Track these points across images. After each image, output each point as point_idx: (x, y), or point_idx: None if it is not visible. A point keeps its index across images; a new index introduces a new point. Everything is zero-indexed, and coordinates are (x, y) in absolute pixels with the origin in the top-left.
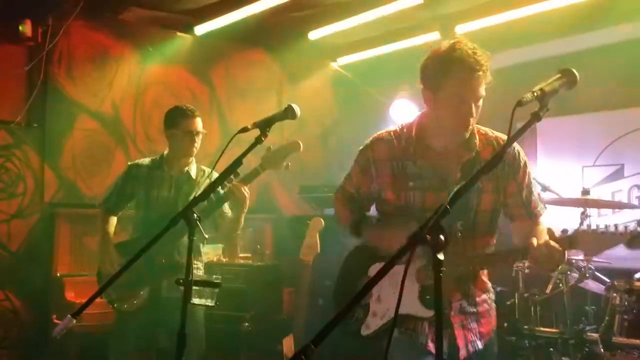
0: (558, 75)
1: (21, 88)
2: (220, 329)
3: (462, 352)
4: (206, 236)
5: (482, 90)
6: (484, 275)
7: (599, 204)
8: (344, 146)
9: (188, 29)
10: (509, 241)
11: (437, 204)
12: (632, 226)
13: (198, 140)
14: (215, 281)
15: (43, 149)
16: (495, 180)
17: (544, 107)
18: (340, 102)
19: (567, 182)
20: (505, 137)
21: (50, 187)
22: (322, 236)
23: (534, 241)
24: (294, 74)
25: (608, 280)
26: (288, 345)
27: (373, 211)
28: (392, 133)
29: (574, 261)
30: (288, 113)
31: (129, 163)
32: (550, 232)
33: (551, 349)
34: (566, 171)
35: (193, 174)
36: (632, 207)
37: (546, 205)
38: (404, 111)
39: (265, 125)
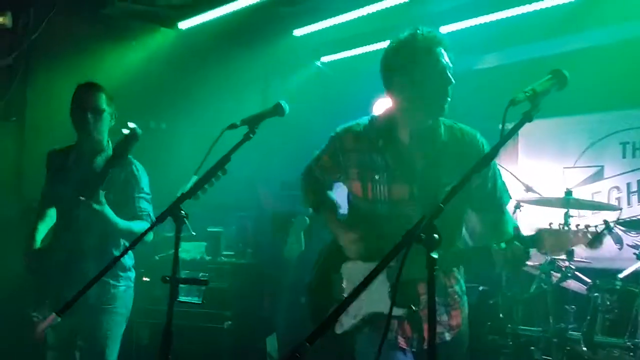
0: (549, 76)
1: (0, 81)
2: (203, 327)
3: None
4: (193, 233)
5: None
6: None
7: (581, 205)
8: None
9: (171, 23)
10: None
11: (403, 196)
12: (592, 228)
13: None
14: (202, 279)
15: (22, 144)
16: (458, 172)
17: (536, 107)
18: (324, 100)
19: (549, 182)
20: (469, 128)
21: (30, 181)
22: (305, 234)
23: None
24: (278, 71)
25: (589, 280)
26: (271, 343)
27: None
28: (361, 125)
29: (555, 261)
30: (277, 110)
31: None
32: (516, 230)
33: (532, 348)
34: (547, 172)
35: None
36: (612, 208)
37: (511, 195)
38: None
39: (253, 122)
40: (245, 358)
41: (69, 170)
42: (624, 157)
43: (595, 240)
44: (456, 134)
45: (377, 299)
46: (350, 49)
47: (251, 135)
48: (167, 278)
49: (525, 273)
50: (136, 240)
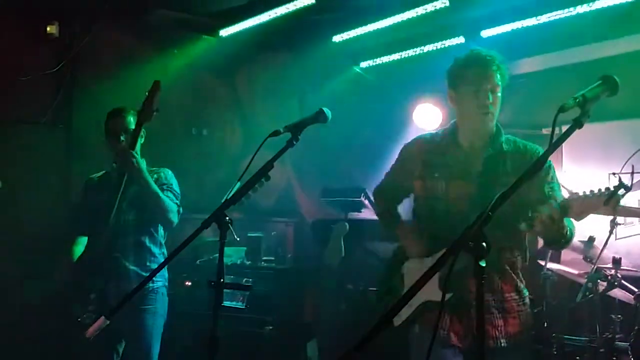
0: (599, 82)
1: (48, 89)
2: (244, 331)
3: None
4: (237, 239)
5: (497, 81)
6: (517, 275)
7: (629, 212)
8: (366, 150)
9: (213, 31)
10: None
11: (459, 193)
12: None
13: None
14: (246, 284)
15: (69, 150)
16: (517, 176)
17: (586, 113)
18: (363, 106)
19: (594, 188)
20: (533, 144)
21: (76, 188)
22: (345, 241)
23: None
24: (316, 77)
25: (636, 290)
26: (312, 349)
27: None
28: (430, 134)
29: (602, 270)
30: (319, 117)
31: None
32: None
33: (577, 358)
34: (592, 178)
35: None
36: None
37: None
38: (427, 115)
39: (297, 129)
40: None
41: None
42: None
43: (610, 198)
44: (519, 145)
45: (428, 288)
46: (389, 54)
47: (294, 142)
48: (212, 283)
49: (570, 282)
50: (193, 235)
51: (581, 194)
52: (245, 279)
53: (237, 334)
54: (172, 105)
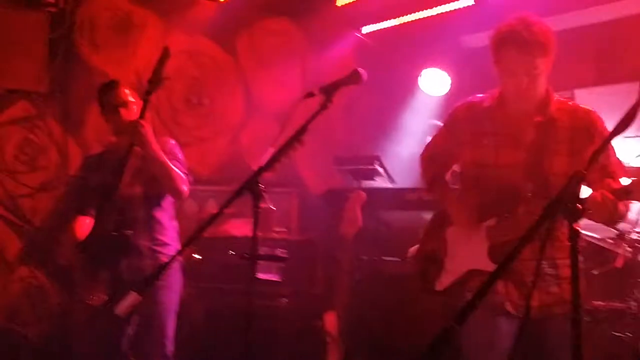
0: None
1: (43, 56)
2: (258, 304)
3: (536, 312)
4: (273, 208)
5: (537, 63)
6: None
7: None
8: (371, 117)
9: None
10: None
11: (509, 161)
12: None
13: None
14: (281, 255)
15: (66, 120)
16: (569, 144)
17: None
18: (368, 72)
19: None
20: (586, 106)
21: (75, 159)
22: (363, 210)
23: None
24: (318, 42)
25: None
26: (330, 321)
27: None
28: (477, 98)
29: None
30: (354, 77)
31: None
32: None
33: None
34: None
35: None
36: None
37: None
38: (434, 81)
39: (331, 90)
40: (304, 336)
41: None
42: None
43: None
44: (567, 109)
45: (476, 256)
46: (394, 18)
47: (328, 104)
48: (247, 255)
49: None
50: (224, 206)
51: None
52: (280, 249)
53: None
54: (170, 72)
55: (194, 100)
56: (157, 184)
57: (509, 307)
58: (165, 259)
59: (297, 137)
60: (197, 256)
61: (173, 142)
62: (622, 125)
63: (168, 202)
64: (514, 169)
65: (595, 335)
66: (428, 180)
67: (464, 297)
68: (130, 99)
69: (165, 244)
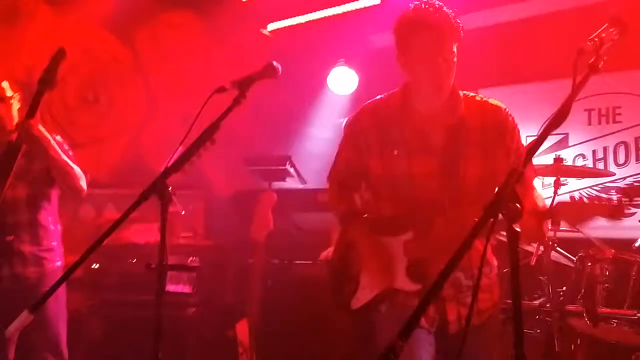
0: (606, 25)
1: None
2: (164, 314)
3: (453, 327)
4: (182, 212)
5: (452, 47)
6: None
7: (573, 172)
8: (279, 116)
9: None
10: None
11: (423, 169)
12: (614, 198)
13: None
14: (193, 265)
15: None
16: (481, 146)
17: (601, 57)
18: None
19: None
20: (494, 101)
21: None
22: (273, 212)
23: None
24: (224, 38)
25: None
26: (242, 330)
27: None
28: (377, 101)
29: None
30: (269, 71)
31: None
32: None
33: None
34: None
35: None
36: (606, 174)
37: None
38: (342, 80)
39: (244, 85)
40: (215, 347)
41: None
42: (589, 124)
43: (616, 211)
44: (477, 107)
45: (394, 274)
46: (301, 15)
47: (242, 100)
48: (153, 265)
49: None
50: (128, 212)
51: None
52: (191, 258)
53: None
54: (63, 67)
55: (89, 97)
56: (43, 185)
57: (422, 322)
58: (50, 265)
59: (208, 135)
60: (95, 265)
61: (59, 138)
62: (557, 121)
63: (53, 204)
64: (428, 178)
65: (506, 334)
66: (340, 215)
67: (377, 315)
68: (9, 93)
69: (49, 250)
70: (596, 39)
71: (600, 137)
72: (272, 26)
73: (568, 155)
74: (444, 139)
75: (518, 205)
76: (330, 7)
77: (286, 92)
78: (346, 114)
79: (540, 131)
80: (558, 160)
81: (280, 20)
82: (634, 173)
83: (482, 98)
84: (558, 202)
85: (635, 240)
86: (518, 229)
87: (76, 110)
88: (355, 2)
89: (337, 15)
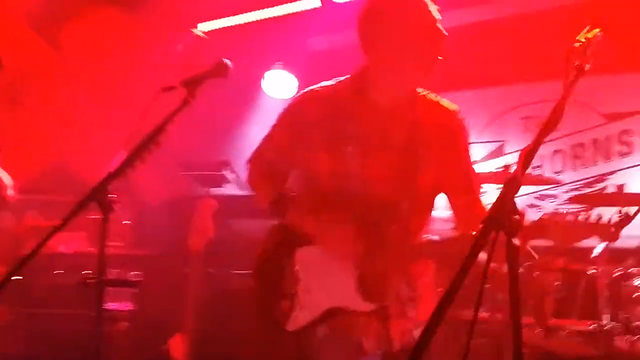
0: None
1: None
2: (89, 330)
3: (396, 344)
4: (125, 222)
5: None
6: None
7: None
8: (210, 123)
9: None
10: None
11: (379, 170)
12: (605, 217)
13: None
14: (134, 280)
15: None
16: (435, 149)
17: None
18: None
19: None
20: (448, 102)
21: None
22: (213, 219)
23: None
24: (154, 37)
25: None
26: (177, 346)
27: None
28: (324, 90)
29: None
30: (219, 69)
31: None
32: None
33: None
34: None
35: None
36: (556, 182)
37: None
38: (279, 83)
39: (194, 84)
40: None
41: None
42: (526, 132)
43: (613, 235)
44: (432, 107)
45: (340, 292)
46: (235, 15)
47: (191, 100)
48: (89, 280)
49: None
50: (64, 222)
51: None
52: (133, 272)
53: (85, 334)
54: None
55: (11, 99)
56: None
57: (366, 346)
58: None
59: (153, 138)
60: (17, 277)
61: None
62: (552, 124)
63: None
64: (384, 179)
65: (454, 346)
66: (268, 199)
67: (316, 340)
68: None
69: None
70: (584, 39)
71: None
72: (205, 26)
73: (504, 164)
74: (405, 137)
75: (517, 216)
76: (266, 7)
77: (220, 94)
78: None
79: (535, 136)
80: (507, 168)
81: (212, 19)
82: (570, 181)
83: (435, 97)
84: (545, 217)
85: (591, 249)
86: (518, 243)
87: None
88: (294, 2)
89: (276, 17)
